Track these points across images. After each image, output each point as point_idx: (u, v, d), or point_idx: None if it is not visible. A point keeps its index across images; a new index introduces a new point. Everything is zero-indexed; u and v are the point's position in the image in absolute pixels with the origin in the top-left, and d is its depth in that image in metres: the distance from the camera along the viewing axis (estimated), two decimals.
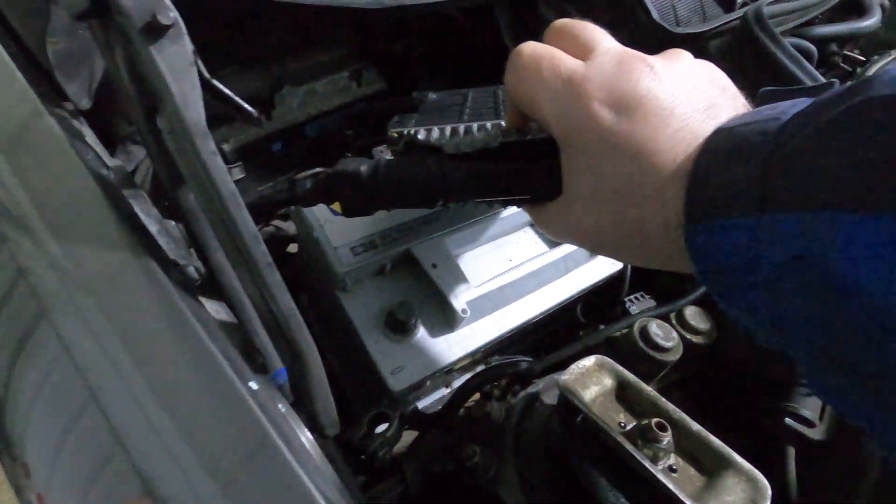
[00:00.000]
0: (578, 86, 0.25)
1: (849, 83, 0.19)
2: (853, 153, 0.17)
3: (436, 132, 0.32)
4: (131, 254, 0.28)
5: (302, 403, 0.30)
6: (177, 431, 0.23)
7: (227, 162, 0.58)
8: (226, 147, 0.57)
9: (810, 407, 0.41)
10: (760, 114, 0.21)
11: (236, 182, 0.61)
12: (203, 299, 0.33)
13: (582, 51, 0.27)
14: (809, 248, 0.17)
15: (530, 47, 0.28)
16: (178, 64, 0.24)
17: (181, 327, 0.26)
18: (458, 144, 0.30)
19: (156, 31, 0.23)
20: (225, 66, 0.57)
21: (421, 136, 0.32)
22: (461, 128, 0.32)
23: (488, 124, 0.33)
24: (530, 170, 0.29)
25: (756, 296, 0.20)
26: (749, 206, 0.19)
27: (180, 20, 0.23)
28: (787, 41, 0.74)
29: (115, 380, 0.25)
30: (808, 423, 0.40)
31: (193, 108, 0.24)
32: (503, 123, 0.32)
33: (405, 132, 0.33)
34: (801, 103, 0.20)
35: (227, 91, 0.27)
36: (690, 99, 0.24)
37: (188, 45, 0.24)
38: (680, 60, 0.26)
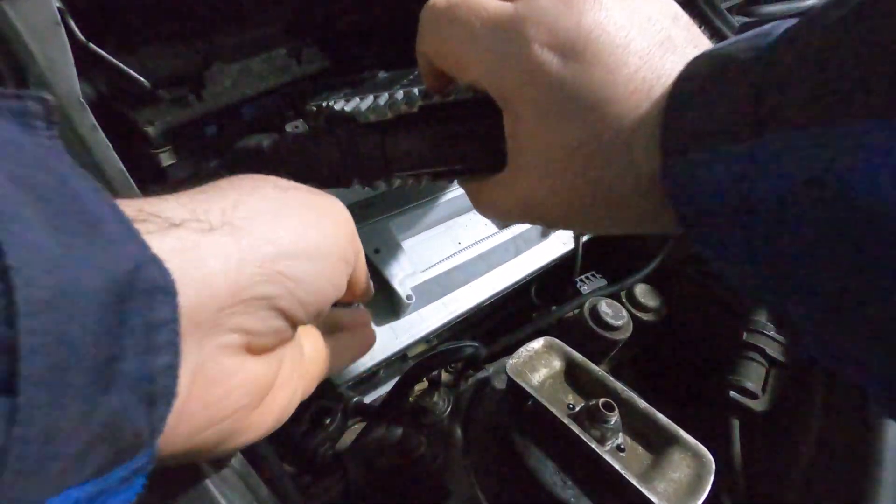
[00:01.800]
0: (512, 28, 0.21)
1: None
2: (881, 46, 0.13)
3: (354, 102, 0.29)
4: None
5: None
6: None
7: (153, 146, 0.53)
8: (151, 130, 0.53)
9: (753, 379, 0.41)
10: (743, 36, 0.18)
11: (167, 167, 0.57)
12: None
13: None
14: (825, 170, 0.14)
15: None
16: (39, 21, 0.20)
17: None
18: (371, 111, 0.27)
19: None
20: (146, 42, 0.52)
21: (337, 106, 0.28)
22: (384, 95, 0.29)
23: (415, 89, 0.28)
24: (460, 135, 0.25)
25: (752, 239, 0.16)
26: (742, 131, 0.16)
27: None
28: (734, 19, 0.75)
29: None
30: (752, 395, 0.41)
31: (63, 74, 0.21)
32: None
33: (323, 104, 0.29)
34: (790, 22, 0.17)
35: (110, 58, 0.23)
36: (644, 31, 0.20)
37: (52, 1, 0.21)
38: None
